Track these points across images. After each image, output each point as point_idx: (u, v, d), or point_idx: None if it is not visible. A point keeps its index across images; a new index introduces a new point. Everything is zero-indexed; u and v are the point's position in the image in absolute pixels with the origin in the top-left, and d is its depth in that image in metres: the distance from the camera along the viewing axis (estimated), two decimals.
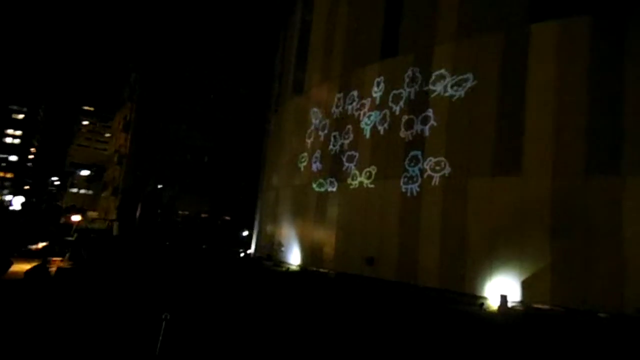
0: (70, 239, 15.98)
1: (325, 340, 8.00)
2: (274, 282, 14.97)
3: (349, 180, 16.62)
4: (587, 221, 11.18)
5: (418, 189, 14.32)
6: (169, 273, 14.99)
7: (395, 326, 9.49)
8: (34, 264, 11.16)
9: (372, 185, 15.75)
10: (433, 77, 14.48)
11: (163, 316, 6.61)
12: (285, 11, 24.41)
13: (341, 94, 17.75)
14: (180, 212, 49.64)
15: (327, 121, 18.26)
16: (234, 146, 50.58)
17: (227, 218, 53.12)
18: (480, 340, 8.96)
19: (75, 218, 14.42)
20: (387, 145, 15.51)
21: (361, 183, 16.13)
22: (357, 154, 16.52)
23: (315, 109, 19.23)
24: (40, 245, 12.52)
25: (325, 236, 17.29)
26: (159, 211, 45.78)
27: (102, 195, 61.45)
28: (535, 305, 11.48)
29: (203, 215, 51.90)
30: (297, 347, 7.50)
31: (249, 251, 25.92)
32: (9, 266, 10.74)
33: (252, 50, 41.03)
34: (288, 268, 17.77)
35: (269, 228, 22.16)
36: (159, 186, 48.77)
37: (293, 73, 21.75)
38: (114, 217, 46.26)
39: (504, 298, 11.68)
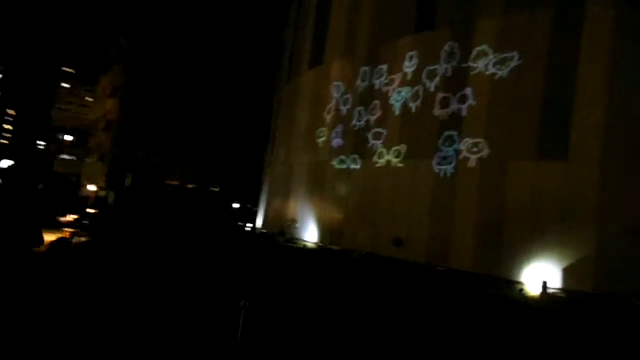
0: (91, 211, 15.13)
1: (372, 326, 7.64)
2: (301, 260, 14.52)
3: (376, 159, 16.11)
4: (631, 209, 11.00)
5: (453, 171, 13.92)
6: (191, 249, 14.42)
7: (439, 310, 9.24)
8: (60, 235, 10.46)
9: (402, 165, 15.29)
10: (474, 54, 13.90)
11: (242, 304, 6.10)
12: None
13: (368, 68, 17.05)
14: (168, 182, 48.65)
15: (351, 96, 17.59)
16: (227, 117, 49.29)
17: (216, 189, 52.40)
18: (527, 324, 8.80)
19: (92, 188, 13.43)
20: (419, 124, 14.99)
21: (389, 162, 15.65)
22: (385, 132, 15.98)
23: (337, 83, 18.50)
24: (70, 217, 11.71)
25: (347, 214, 16.86)
26: (150, 181, 44.74)
27: (88, 161, 59.68)
28: (577, 291, 11.35)
29: (190, 186, 50.96)
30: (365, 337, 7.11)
31: (254, 225, 25.40)
32: (42, 243, 9.97)
33: (255, 18, 39.42)
34: (305, 246, 17.33)
35: (279, 203, 21.62)
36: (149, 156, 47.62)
37: (311, 45, 20.84)
38: (102, 184, 45.04)
39: (545, 284, 11.54)
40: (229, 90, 48.21)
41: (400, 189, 15.18)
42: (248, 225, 27.50)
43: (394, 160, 15.49)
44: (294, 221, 19.36)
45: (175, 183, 49.67)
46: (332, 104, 18.50)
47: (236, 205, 48.43)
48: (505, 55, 13.24)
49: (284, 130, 22.76)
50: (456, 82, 14.19)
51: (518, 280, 12.25)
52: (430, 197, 14.30)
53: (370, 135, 16.39)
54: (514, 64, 13.07)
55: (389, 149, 15.74)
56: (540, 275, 11.86)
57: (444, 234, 13.79)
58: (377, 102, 16.41)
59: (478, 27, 13.98)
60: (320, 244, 17.63)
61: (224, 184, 52.04)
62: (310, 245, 17.81)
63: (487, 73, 13.54)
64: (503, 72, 13.23)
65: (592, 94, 11.78)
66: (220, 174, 51.50)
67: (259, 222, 24.46)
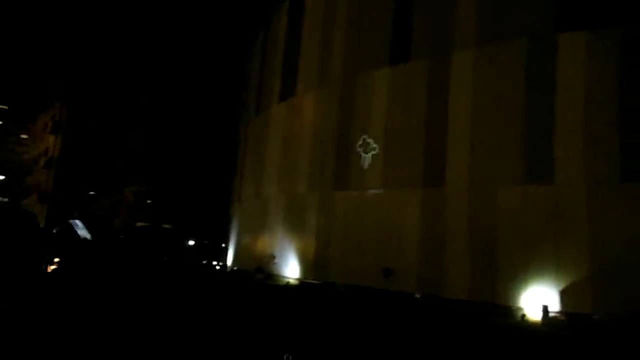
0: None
1: None
2: (292, 299, 13.84)
3: (358, 187, 15.93)
4: (624, 227, 11.39)
5: (439, 197, 13.96)
6: (166, 292, 13.37)
7: (446, 343, 8.96)
8: None
9: (384, 192, 15.18)
10: (452, 84, 14.21)
11: (285, 357, 5.52)
12: (264, 11, 23.26)
13: (344, 99, 17.03)
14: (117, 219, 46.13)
15: (329, 127, 17.44)
16: (179, 151, 47.74)
17: (167, 226, 50.24)
18: (538, 354, 8.70)
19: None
20: (402, 151, 15.02)
21: (373, 189, 15.50)
22: (367, 159, 15.87)
23: (311, 115, 18.35)
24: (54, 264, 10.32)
25: (330, 246, 16.43)
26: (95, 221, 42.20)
27: (25, 202, 55.54)
28: (576, 314, 11.48)
29: (140, 224, 48.57)
30: None
31: (222, 263, 24.27)
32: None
33: (215, 52, 38.95)
34: (288, 282, 16.64)
35: (253, 239, 20.84)
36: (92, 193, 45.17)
37: (280, 78, 20.67)
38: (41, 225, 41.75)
39: (545, 308, 11.59)
40: (181, 124, 46.93)
41: (386, 217, 15.01)
42: (215, 263, 26.31)
43: (378, 188, 15.35)
44: (272, 256, 18.64)
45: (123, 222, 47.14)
46: (308, 135, 18.26)
47: (191, 242, 46.54)
48: (483, 84, 13.63)
49: (253, 164, 22.20)
50: (437, 111, 14.39)
51: (516, 305, 12.25)
52: (419, 225, 14.21)
53: (351, 164, 16.21)
54: (492, 92, 13.46)
55: (372, 176, 15.61)
56: (538, 299, 11.91)
57: (436, 261, 13.67)
58: (357, 131, 16.33)
59: (454, 58, 14.34)
60: (303, 279, 17.00)
61: (176, 220, 50.04)
62: (292, 281, 17.13)
63: (467, 102, 13.84)
64: (482, 101, 13.58)
65: (571, 115, 12.25)
66: (172, 210, 49.48)
67: (229, 259, 23.41)
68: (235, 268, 22.25)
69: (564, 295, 11.74)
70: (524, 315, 11.70)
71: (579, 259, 11.69)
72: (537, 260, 12.15)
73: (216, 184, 43.49)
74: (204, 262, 28.46)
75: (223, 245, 28.24)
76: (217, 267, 22.54)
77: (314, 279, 16.61)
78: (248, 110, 24.52)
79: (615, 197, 11.60)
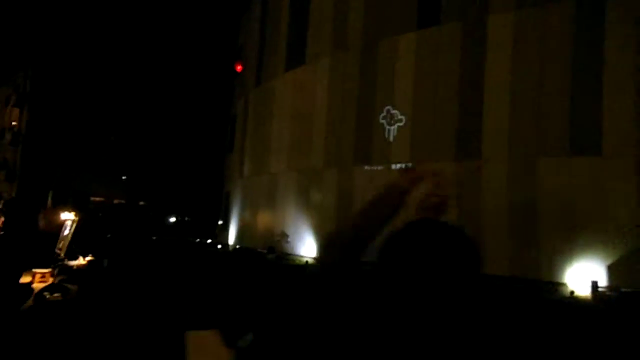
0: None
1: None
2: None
3: (383, 161, 15.09)
4: None
5: (476, 169, 13.29)
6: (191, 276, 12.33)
7: (506, 319, 8.45)
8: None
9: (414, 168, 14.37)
10: (489, 50, 13.39)
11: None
12: None
13: (365, 67, 15.98)
14: (92, 198, 44.00)
15: (347, 97, 16.40)
16: (159, 125, 45.48)
17: (142, 203, 48.47)
18: (598, 329, 8.32)
19: (68, 216, 10.16)
20: (432, 122, 14.21)
21: (400, 164, 14.68)
22: (392, 132, 15.00)
23: (325, 84, 17.23)
24: (83, 260, 8.74)
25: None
26: (70, 199, 40.04)
27: None
28: (625, 290, 11.16)
29: (117, 201, 46.56)
30: None
31: (222, 242, 23.18)
32: (30, 295, 7.65)
33: (200, 18, 36.39)
34: (307, 262, 15.81)
35: (258, 217, 19.83)
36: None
37: (285, 45, 19.36)
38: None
39: (594, 284, 11.21)
40: (164, 98, 44.50)
41: (416, 194, 14.22)
42: (209, 241, 25.15)
43: (408, 162, 14.54)
44: (285, 235, 17.72)
45: (98, 199, 44.99)
46: (323, 106, 17.18)
47: (172, 220, 45.12)
48: (523, 49, 12.86)
49: (256, 139, 20.98)
50: (471, 78, 13.59)
51: (560, 281, 11.85)
52: (454, 199, 13.50)
53: (377, 137, 15.31)
54: (533, 57, 12.72)
55: (398, 151, 14.78)
56: (584, 274, 11.54)
57: (475, 237, 13.04)
58: (381, 101, 15.39)
59: (490, 21, 13.48)
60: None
61: (151, 197, 48.21)
62: (308, 260, 16.30)
63: (505, 69, 13.07)
64: (522, 67, 12.83)
65: (619, 83, 11.68)
66: (147, 187, 47.49)
67: (230, 238, 22.34)
68: (242, 247, 21.23)
69: (612, 270, 11.39)
70: (572, 292, 11.29)
71: (629, 233, 11.30)
72: (582, 235, 11.70)
73: (202, 160, 41.83)
74: (197, 240, 27.23)
75: (220, 222, 27.11)
76: (219, 247, 21.43)
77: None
78: (245, 83, 23.08)
79: None
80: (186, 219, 47.09)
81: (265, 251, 17.82)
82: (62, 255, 9.31)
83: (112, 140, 42.86)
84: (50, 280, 8.43)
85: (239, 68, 25.21)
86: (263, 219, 19.42)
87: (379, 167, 15.14)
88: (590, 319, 9.29)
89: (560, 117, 12.21)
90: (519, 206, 12.53)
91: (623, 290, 11.08)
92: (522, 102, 12.75)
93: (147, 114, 43.76)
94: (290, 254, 17.30)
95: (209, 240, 25.55)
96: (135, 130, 44.71)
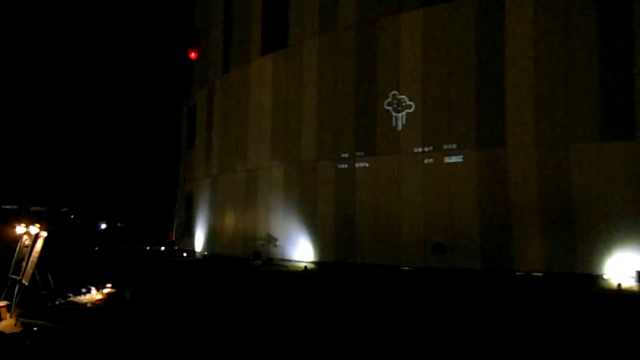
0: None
1: None
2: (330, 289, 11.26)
3: (390, 151, 13.66)
4: None
5: (500, 159, 12.28)
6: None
7: (564, 322, 7.56)
8: None
9: (430, 160, 13.11)
10: (507, 27, 12.42)
11: None
12: None
13: (362, 48, 14.44)
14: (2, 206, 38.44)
15: (342, 82, 14.76)
16: (79, 121, 40.53)
17: (65, 210, 43.50)
18: None
19: (30, 230, 7.21)
20: (447, 108, 13.00)
21: (412, 154, 13.34)
22: (400, 119, 13.61)
23: (313, 68, 15.47)
24: (98, 293, 5.82)
25: (356, 222, 14.03)
26: None
27: None
28: None
29: (36, 209, 41.23)
30: None
31: (186, 249, 20.54)
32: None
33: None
34: (306, 267, 13.97)
35: (234, 220, 17.61)
36: None
37: (261, 26, 17.31)
38: None
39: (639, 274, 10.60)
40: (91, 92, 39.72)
41: (431, 185, 13.00)
42: (163, 248, 22.34)
43: (418, 153, 13.23)
44: (272, 238, 15.72)
45: (11, 207, 39.46)
46: (312, 91, 15.40)
47: (103, 226, 40.83)
48: (547, 27, 12.03)
49: (226, 132, 18.67)
50: (489, 58, 12.55)
51: (598, 273, 11.14)
52: (476, 191, 12.43)
53: (380, 124, 13.84)
54: (559, 36, 11.92)
55: (408, 140, 13.43)
56: (624, 265, 10.91)
57: (500, 231, 12.04)
58: (382, 85, 13.94)
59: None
60: (318, 262, 14.46)
61: (75, 203, 43.36)
62: (300, 265, 14.44)
63: (528, 48, 12.17)
64: (548, 47, 12.00)
65: None
66: (70, 191, 42.51)
67: (197, 244, 19.81)
68: (205, 254, 18.84)
69: None
70: (620, 284, 10.57)
71: None
72: (621, 224, 11.04)
73: (138, 159, 37.84)
74: (148, 248, 24.14)
75: (176, 227, 24.24)
76: (184, 254, 18.81)
77: (334, 261, 14.16)
78: (206, 70, 20.61)
79: None
80: (119, 224, 42.72)
81: (250, 257, 15.71)
82: (26, 283, 6.83)
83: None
84: (9, 320, 5.97)
85: (193, 55, 22.59)
86: (240, 221, 17.23)
87: (387, 158, 13.68)
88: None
89: (590, 99, 11.50)
90: (551, 196, 11.67)
91: None
92: (549, 84, 11.90)
93: (69, 107, 38.56)
94: (280, 259, 15.35)
95: (162, 248, 22.68)
96: (55, 127, 39.38)
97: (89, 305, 5.25)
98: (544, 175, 11.77)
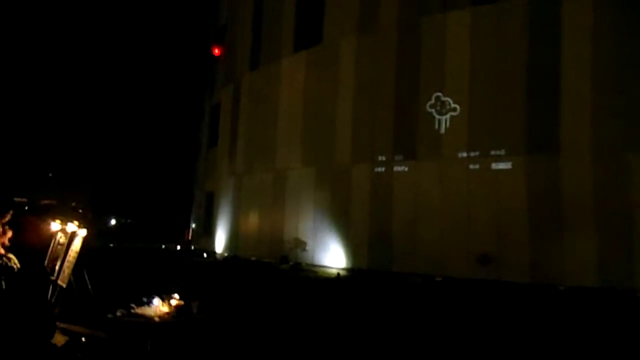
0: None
1: None
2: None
3: (432, 156, 13.05)
4: None
5: (552, 166, 11.63)
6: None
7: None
8: None
9: (476, 166, 12.49)
10: (564, 29, 11.80)
11: None
12: None
13: (404, 47, 13.86)
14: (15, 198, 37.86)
15: (382, 82, 14.17)
16: (92, 114, 39.87)
17: (74, 204, 42.89)
18: None
19: (69, 227, 6.61)
20: (495, 110, 12.39)
21: (456, 159, 12.73)
22: (443, 122, 13.00)
23: (350, 67, 14.90)
24: (163, 306, 4.93)
25: (393, 228, 13.41)
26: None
27: None
28: None
29: (45, 202, 40.55)
30: None
31: (201, 250, 19.92)
32: (53, 331, 4.72)
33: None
34: (339, 273, 13.34)
35: (259, 222, 17.02)
36: None
37: (293, 22, 16.76)
38: None
39: None
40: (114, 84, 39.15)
41: (476, 192, 12.36)
42: (179, 247, 21.74)
43: (464, 158, 12.61)
44: (301, 242, 15.11)
45: (21, 200, 38.82)
46: (347, 93, 14.82)
47: (112, 222, 40.20)
48: (604, 32, 11.41)
49: (253, 131, 18.11)
50: (543, 60, 11.93)
51: None
52: (526, 199, 11.78)
53: (425, 127, 13.23)
54: (613, 42, 11.30)
55: (452, 144, 12.81)
56: None
57: (552, 243, 11.38)
58: (428, 86, 13.34)
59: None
60: (353, 268, 13.84)
61: (85, 197, 42.73)
62: (333, 271, 13.80)
63: (586, 51, 11.53)
64: (605, 51, 11.36)
65: None
66: (79, 185, 41.91)
67: (218, 246, 19.22)
68: (226, 255, 18.26)
69: None
70: None
71: None
72: None
73: (153, 155, 37.23)
74: (163, 247, 23.52)
75: (193, 226, 23.69)
76: (205, 255, 18.21)
77: (367, 269, 13.54)
78: (232, 67, 20.07)
79: None
80: (128, 221, 42.07)
81: (277, 261, 15.11)
82: (63, 285, 6.21)
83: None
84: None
85: (217, 51, 22.11)
86: (267, 223, 16.62)
87: (428, 163, 13.08)
88: None
89: None
90: (607, 207, 11.01)
91: None
92: (607, 88, 11.26)
93: (81, 99, 37.98)
94: (309, 264, 14.73)
95: (178, 247, 22.10)
96: (66, 120, 38.78)
97: (156, 319, 4.59)
98: (599, 185, 11.12)
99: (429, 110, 13.19)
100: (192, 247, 21.85)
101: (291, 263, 14.89)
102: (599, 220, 11.02)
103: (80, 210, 7.52)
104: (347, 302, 10.09)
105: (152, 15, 31.18)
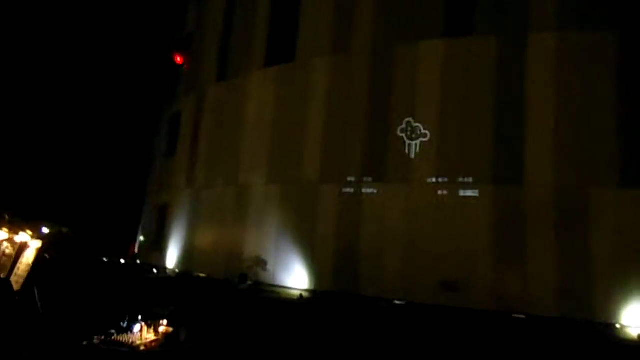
0: None
1: None
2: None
3: (399, 179, 13.11)
4: None
5: (516, 197, 11.99)
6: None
7: None
8: None
9: (443, 191, 12.64)
10: (529, 69, 12.35)
11: None
12: None
13: (377, 72, 13.99)
14: None
15: (354, 104, 14.17)
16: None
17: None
18: None
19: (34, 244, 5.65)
20: (463, 140, 12.66)
21: (424, 184, 12.84)
22: (413, 147, 13.13)
23: (322, 86, 14.84)
24: (148, 334, 4.32)
25: (360, 251, 13.24)
26: None
27: None
28: None
29: None
30: None
31: (149, 265, 18.84)
32: None
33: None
34: (302, 294, 12.96)
35: (217, 238, 16.35)
36: None
37: (265, 37, 16.58)
38: None
39: None
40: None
41: (444, 217, 12.48)
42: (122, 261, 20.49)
43: (431, 183, 12.75)
44: (261, 261, 14.61)
45: None
46: (317, 112, 14.72)
47: (45, 230, 37.23)
48: (569, 73, 12.06)
49: (214, 143, 17.54)
50: (509, 96, 12.40)
51: (615, 322, 10.90)
52: (491, 227, 12.01)
53: (393, 151, 13.30)
54: (580, 82, 11.97)
55: (421, 169, 12.95)
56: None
57: (514, 272, 11.63)
58: (398, 111, 13.48)
59: (532, 38, 12.51)
60: (316, 290, 13.50)
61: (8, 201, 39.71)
62: (303, 293, 13.39)
63: (549, 92, 12.11)
64: (569, 91, 11.99)
65: None
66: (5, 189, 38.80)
67: (169, 261, 18.23)
68: (177, 271, 17.37)
69: None
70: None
71: None
72: (639, 272, 10.95)
73: (95, 159, 35.05)
74: (105, 260, 22.02)
75: (142, 239, 22.39)
76: (155, 271, 17.18)
77: (331, 291, 13.24)
78: (197, 76, 19.50)
79: None
80: (63, 230, 39.23)
81: (235, 280, 14.48)
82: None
83: None
84: None
85: (179, 59, 21.46)
86: (226, 240, 15.96)
87: (396, 186, 13.11)
88: None
89: (610, 142, 11.49)
90: (569, 239, 11.44)
91: None
92: (570, 124, 11.84)
93: (25, 96, 35.49)
94: (269, 284, 14.23)
95: (122, 261, 20.78)
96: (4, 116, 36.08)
97: (142, 348, 4.04)
98: (562, 220, 11.54)
99: (400, 134, 13.30)
100: (138, 262, 20.62)
101: (249, 283, 14.32)
102: (561, 252, 11.40)
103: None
104: (306, 326, 9.77)
105: (114, 16, 29.81)
